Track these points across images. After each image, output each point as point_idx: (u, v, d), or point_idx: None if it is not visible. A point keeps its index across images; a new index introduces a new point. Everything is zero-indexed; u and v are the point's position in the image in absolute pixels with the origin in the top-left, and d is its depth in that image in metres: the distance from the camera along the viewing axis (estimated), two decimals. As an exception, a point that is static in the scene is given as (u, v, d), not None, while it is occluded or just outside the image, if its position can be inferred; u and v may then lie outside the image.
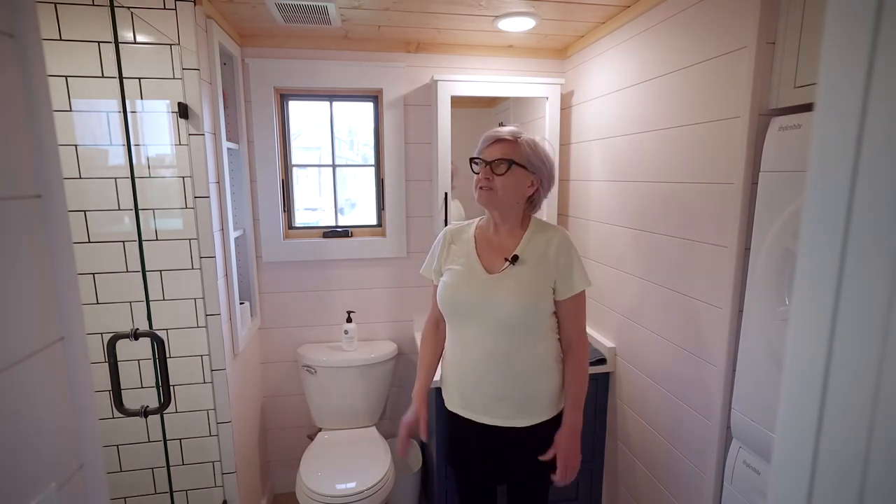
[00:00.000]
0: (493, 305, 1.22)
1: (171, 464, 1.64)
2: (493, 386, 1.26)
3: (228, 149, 1.81)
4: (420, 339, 1.48)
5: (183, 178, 1.55)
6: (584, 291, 1.28)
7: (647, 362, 1.62)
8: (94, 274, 1.54)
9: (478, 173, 1.26)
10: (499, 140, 1.24)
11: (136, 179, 1.45)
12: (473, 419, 1.29)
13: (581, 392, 1.29)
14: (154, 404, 1.27)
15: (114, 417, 1.30)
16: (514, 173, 1.22)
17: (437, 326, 1.42)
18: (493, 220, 1.30)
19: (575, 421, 1.28)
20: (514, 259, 1.24)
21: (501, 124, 2.24)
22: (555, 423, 1.30)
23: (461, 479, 1.43)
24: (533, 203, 1.31)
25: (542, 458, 1.27)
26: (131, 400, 1.23)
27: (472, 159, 1.29)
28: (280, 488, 2.31)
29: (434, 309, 1.40)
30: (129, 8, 1.39)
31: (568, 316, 1.28)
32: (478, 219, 1.38)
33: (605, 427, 1.92)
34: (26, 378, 0.51)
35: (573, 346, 1.30)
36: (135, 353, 1.57)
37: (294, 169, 2.18)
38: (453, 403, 1.34)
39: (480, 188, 1.24)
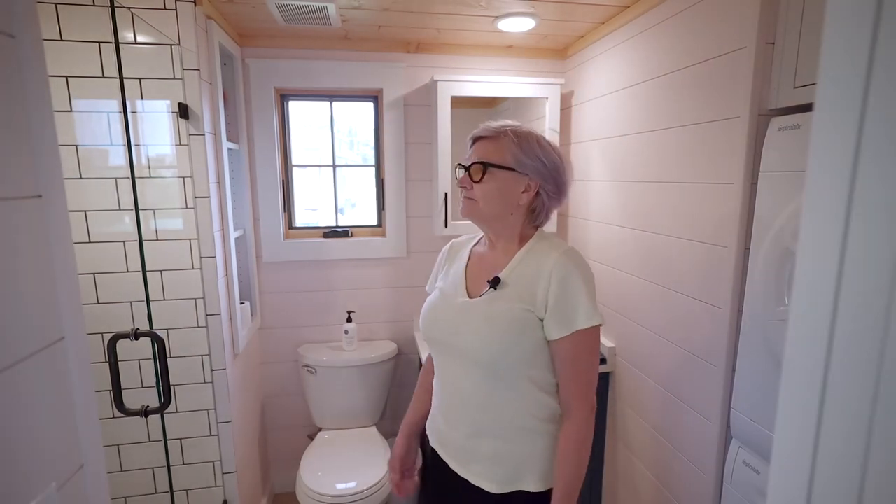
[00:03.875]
0: (463, 336, 0.98)
1: (171, 464, 1.64)
2: (463, 433, 1.01)
3: (228, 149, 1.81)
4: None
5: (183, 178, 1.55)
6: (592, 333, 0.95)
7: (647, 362, 1.62)
8: (94, 274, 1.54)
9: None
10: (480, 138, 1.01)
11: (137, 179, 1.45)
12: (448, 463, 1.06)
13: (574, 478, 0.95)
14: (154, 404, 1.27)
15: (114, 417, 1.31)
16: (493, 177, 0.98)
17: None
18: (487, 235, 1.07)
19: None
20: (496, 282, 0.98)
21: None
22: (540, 499, 1.00)
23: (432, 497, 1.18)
24: (535, 212, 1.03)
25: None
26: (131, 400, 1.23)
27: (458, 165, 1.05)
28: (280, 488, 2.31)
29: None
30: (129, 8, 1.39)
31: (563, 364, 0.97)
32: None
33: (605, 427, 1.93)
34: (26, 378, 0.51)
35: (571, 411, 0.98)
36: (135, 353, 1.57)
37: (294, 169, 2.18)
38: (433, 437, 1.11)
39: (463, 198, 1.02)
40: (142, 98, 1.49)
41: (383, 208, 2.21)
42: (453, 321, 1.01)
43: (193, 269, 1.59)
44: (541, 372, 0.99)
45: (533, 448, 1.00)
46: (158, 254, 1.56)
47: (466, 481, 1.02)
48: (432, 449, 1.11)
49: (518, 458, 0.99)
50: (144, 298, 1.41)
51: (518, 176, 0.98)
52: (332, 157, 2.19)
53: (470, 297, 1.03)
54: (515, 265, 1.00)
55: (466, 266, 1.08)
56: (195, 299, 1.61)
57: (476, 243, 1.13)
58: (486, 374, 0.98)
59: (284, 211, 2.14)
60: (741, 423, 1.19)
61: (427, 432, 1.15)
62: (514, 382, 0.98)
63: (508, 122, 1.01)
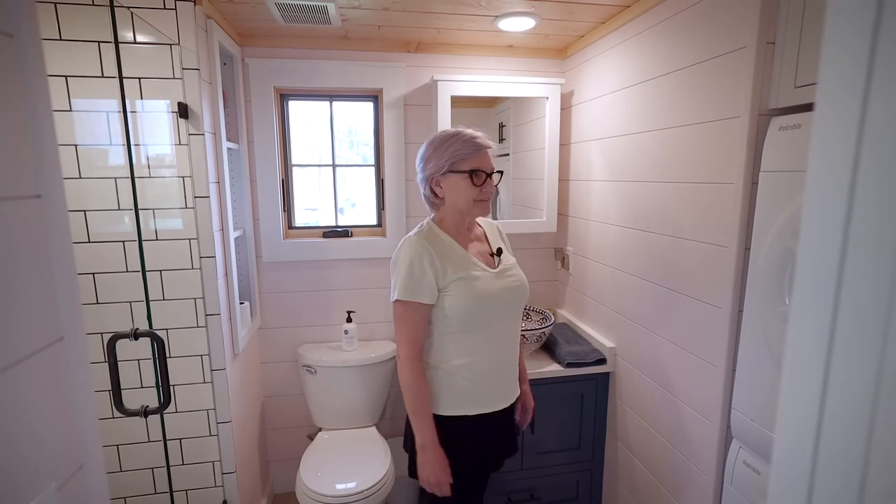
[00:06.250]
0: (518, 294, 1.32)
1: (171, 464, 1.64)
2: (511, 369, 1.35)
3: (228, 149, 1.80)
4: (412, 382, 1.23)
5: (183, 178, 1.55)
6: None
7: (647, 362, 1.62)
8: (93, 274, 1.54)
9: (480, 185, 1.23)
10: (488, 148, 1.26)
11: (136, 179, 1.45)
12: (496, 409, 1.31)
13: None
14: (154, 404, 1.27)
15: (114, 417, 1.30)
16: None
17: (421, 361, 1.26)
18: (462, 223, 1.32)
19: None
20: (499, 251, 1.35)
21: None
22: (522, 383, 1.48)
23: (472, 476, 1.34)
24: None
25: (521, 417, 1.46)
26: (131, 400, 1.23)
27: (472, 171, 1.22)
28: (280, 488, 2.31)
29: (419, 341, 1.24)
30: (129, 8, 1.39)
31: None
32: (425, 224, 1.33)
33: (605, 427, 1.92)
34: (26, 378, 0.51)
35: None
36: (135, 353, 1.57)
37: (294, 169, 2.18)
38: (477, 406, 1.27)
39: (483, 201, 1.26)
40: (141, 98, 1.49)
41: (383, 208, 2.21)
42: (502, 289, 1.29)
43: (193, 269, 1.59)
44: None
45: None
46: (158, 254, 1.56)
47: (506, 409, 1.33)
48: (469, 420, 1.28)
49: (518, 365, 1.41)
50: (144, 298, 1.40)
51: None
52: (332, 156, 2.19)
53: (491, 268, 1.30)
54: (491, 236, 1.40)
55: (467, 250, 1.32)
56: (195, 299, 1.61)
57: (441, 233, 1.31)
58: (521, 313, 1.38)
59: (284, 211, 2.14)
60: (741, 423, 1.19)
61: (459, 413, 1.28)
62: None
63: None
